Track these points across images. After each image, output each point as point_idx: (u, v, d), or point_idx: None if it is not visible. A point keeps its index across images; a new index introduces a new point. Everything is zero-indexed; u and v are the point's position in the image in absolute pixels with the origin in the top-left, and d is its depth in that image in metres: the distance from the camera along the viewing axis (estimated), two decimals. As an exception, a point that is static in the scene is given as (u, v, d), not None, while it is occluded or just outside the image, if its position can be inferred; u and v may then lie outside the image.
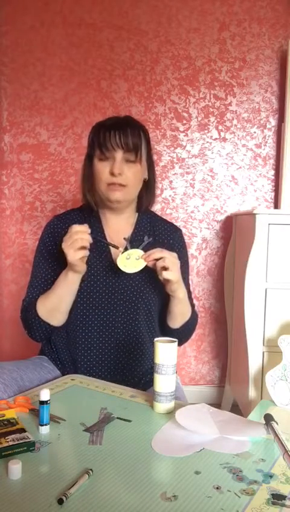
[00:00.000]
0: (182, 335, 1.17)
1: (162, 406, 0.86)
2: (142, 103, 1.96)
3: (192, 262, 2.00)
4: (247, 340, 1.49)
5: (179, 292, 1.08)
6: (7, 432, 0.73)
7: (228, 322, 1.95)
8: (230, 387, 1.91)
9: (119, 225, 1.19)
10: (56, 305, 1.08)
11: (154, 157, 1.23)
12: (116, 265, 1.05)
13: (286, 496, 0.59)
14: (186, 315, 1.15)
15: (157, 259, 1.02)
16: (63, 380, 1.03)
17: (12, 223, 2.01)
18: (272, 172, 1.99)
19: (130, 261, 1.04)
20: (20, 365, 1.10)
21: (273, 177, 1.99)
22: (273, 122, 1.98)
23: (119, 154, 1.08)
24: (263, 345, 1.49)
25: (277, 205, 1.97)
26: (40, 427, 0.77)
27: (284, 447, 0.70)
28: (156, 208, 1.27)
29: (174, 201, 2.00)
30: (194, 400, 1.82)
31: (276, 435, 0.74)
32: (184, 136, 1.98)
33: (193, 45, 1.95)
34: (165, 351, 0.85)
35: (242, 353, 1.58)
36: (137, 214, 1.22)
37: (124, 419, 0.82)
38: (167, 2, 1.93)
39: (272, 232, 1.48)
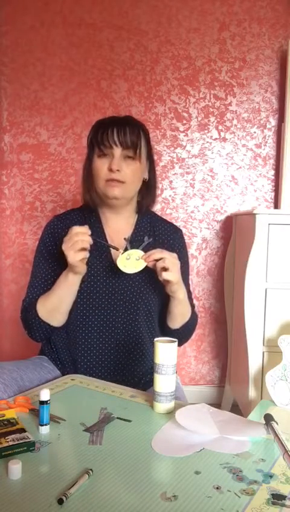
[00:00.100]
0: (182, 335, 1.17)
1: (162, 406, 0.86)
2: (142, 103, 1.96)
3: (192, 262, 2.00)
4: (247, 340, 1.49)
5: (179, 293, 1.08)
6: (7, 432, 0.73)
7: (228, 322, 1.95)
8: (230, 387, 1.91)
9: (119, 225, 1.19)
10: (56, 306, 1.08)
11: (154, 157, 1.23)
12: (116, 265, 1.05)
13: (286, 496, 0.59)
14: (186, 315, 1.15)
15: (157, 260, 1.02)
16: (63, 380, 1.03)
17: (12, 223, 2.01)
18: (272, 172, 1.99)
19: (130, 262, 1.04)
20: (20, 365, 1.10)
21: (273, 177, 1.99)
22: (273, 122, 1.98)
23: (117, 151, 1.08)
24: (263, 345, 1.49)
25: (277, 205, 1.97)
26: (40, 427, 0.77)
27: (284, 447, 0.70)
28: (156, 208, 1.27)
29: (174, 201, 2.00)
30: (194, 400, 1.82)
31: (276, 435, 0.74)
32: (184, 136, 1.98)
33: (193, 45, 1.95)
34: (165, 351, 0.85)
35: (242, 353, 1.58)
36: (137, 214, 1.22)
37: (124, 419, 0.82)
38: (167, 2, 1.93)
39: (272, 232, 1.48)
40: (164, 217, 1.29)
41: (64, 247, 0.98)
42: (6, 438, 0.71)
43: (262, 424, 0.79)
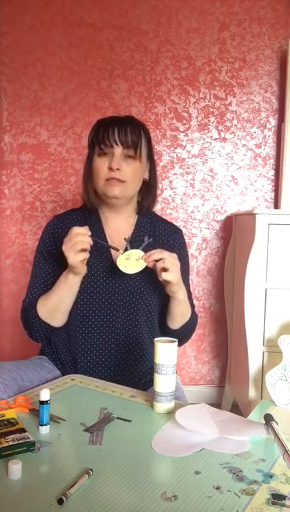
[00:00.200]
0: (182, 336, 1.17)
1: (162, 406, 0.86)
2: (142, 103, 1.96)
3: (192, 262, 2.00)
4: (247, 340, 1.49)
5: (179, 293, 1.08)
6: (7, 432, 0.73)
7: (228, 322, 1.95)
8: (230, 387, 1.91)
9: (119, 225, 1.19)
10: (56, 306, 1.08)
11: (154, 157, 1.23)
12: (116, 266, 1.05)
13: (286, 496, 0.59)
14: (186, 316, 1.15)
15: (157, 260, 1.01)
16: (63, 380, 1.03)
17: (12, 223, 2.01)
18: (272, 172, 1.99)
19: (130, 262, 1.04)
20: (20, 365, 1.10)
21: (273, 177, 1.99)
22: (273, 122, 1.98)
23: (118, 151, 1.08)
24: (263, 345, 1.49)
25: (277, 205, 1.97)
26: (40, 427, 0.77)
27: (284, 447, 0.70)
28: (156, 208, 1.27)
29: (174, 201, 2.00)
30: (194, 400, 1.82)
31: (276, 435, 0.74)
32: (184, 136, 1.98)
33: (193, 45, 1.95)
34: (165, 351, 0.85)
35: (242, 353, 1.58)
36: (137, 214, 1.22)
37: (124, 419, 0.82)
38: (167, 2, 1.93)
39: (272, 232, 1.48)
40: (164, 217, 1.29)
41: (64, 248, 0.98)
42: (6, 438, 0.71)
43: (262, 424, 0.79)
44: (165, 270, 1.01)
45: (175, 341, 0.88)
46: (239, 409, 1.69)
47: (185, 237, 1.32)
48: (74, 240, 0.97)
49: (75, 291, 1.07)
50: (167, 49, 1.95)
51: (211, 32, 1.94)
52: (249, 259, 1.48)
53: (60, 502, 0.56)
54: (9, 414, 0.80)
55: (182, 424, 0.77)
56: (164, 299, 1.15)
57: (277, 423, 0.77)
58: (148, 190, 1.20)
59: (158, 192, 1.26)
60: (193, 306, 1.20)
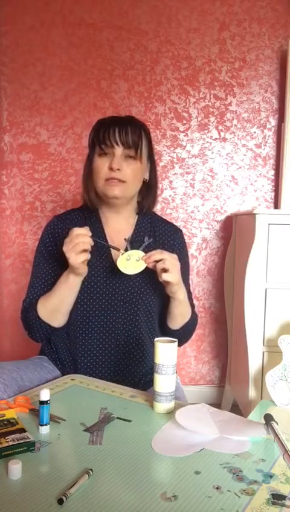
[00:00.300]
0: (182, 336, 1.17)
1: (162, 406, 0.86)
2: (142, 103, 1.96)
3: (192, 262, 2.00)
4: (247, 340, 1.49)
5: (179, 294, 1.08)
6: (7, 432, 0.73)
7: (228, 322, 1.95)
8: (230, 387, 1.91)
9: (119, 225, 1.19)
10: (57, 307, 1.08)
11: (154, 157, 1.23)
12: (117, 266, 1.05)
13: (286, 496, 0.59)
14: (186, 316, 1.15)
15: (157, 261, 1.01)
16: (63, 380, 1.03)
17: (12, 223, 2.01)
18: (272, 172, 1.99)
19: (130, 262, 1.04)
20: (20, 365, 1.10)
21: (273, 177, 1.99)
22: (273, 122, 1.98)
23: (119, 151, 1.08)
24: (263, 345, 1.49)
25: (277, 205, 1.97)
26: (40, 427, 0.77)
27: (284, 447, 0.70)
28: (156, 208, 1.27)
29: (174, 201, 2.00)
30: (194, 400, 1.82)
31: (276, 435, 0.74)
32: (184, 136, 1.98)
33: (193, 45, 1.95)
34: (165, 351, 0.85)
35: (242, 353, 1.58)
36: (137, 214, 1.22)
37: (124, 419, 0.82)
38: (167, 2, 1.93)
39: (272, 232, 1.48)
40: (164, 217, 1.29)
41: (65, 249, 0.98)
42: (6, 438, 0.71)
43: (262, 424, 0.79)
44: (165, 270, 1.01)
45: (175, 341, 0.88)
46: (239, 409, 1.69)
47: (185, 237, 1.32)
48: (75, 241, 0.97)
49: (76, 292, 1.07)
50: (167, 49, 1.95)
51: (211, 32, 1.94)
52: (249, 259, 1.48)
53: (60, 502, 0.56)
54: (9, 414, 0.80)
55: (182, 424, 0.78)
56: (164, 300, 1.15)
57: (277, 423, 0.77)
58: (148, 190, 1.20)
59: (158, 192, 1.26)
60: (193, 306, 1.20)
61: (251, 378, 1.48)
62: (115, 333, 1.13)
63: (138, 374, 1.15)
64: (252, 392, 1.47)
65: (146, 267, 1.03)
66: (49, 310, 1.08)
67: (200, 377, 2.07)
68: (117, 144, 1.08)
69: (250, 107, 1.97)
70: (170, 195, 2.00)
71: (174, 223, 1.29)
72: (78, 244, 0.97)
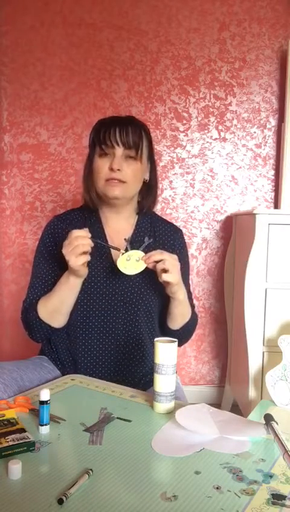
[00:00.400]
0: (182, 336, 1.17)
1: (162, 406, 0.86)
2: (142, 103, 1.96)
3: (192, 262, 2.00)
4: (247, 340, 1.49)
5: (179, 294, 1.08)
6: (7, 432, 0.73)
7: (228, 322, 1.95)
8: (230, 387, 1.91)
9: (119, 225, 1.19)
10: (57, 307, 1.08)
11: (155, 157, 1.23)
12: (117, 266, 1.05)
13: (286, 496, 0.59)
14: (187, 316, 1.15)
15: (157, 262, 1.01)
16: (63, 380, 1.03)
17: (12, 223, 2.01)
18: (272, 172, 1.99)
19: (130, 263, 1.04)
20: (20, 365, 1.10)
21: (273, 177, 1.99)
22: (273, 122, 1.98)
23: (119, 151, 1.08)
24: (263, 345, 1.49)
25: (277, 205, 1.97)
26: (40, 427, 0.77)
27: (284, 447, 0.70)
28: (156, 208, 1.27)
29: (174, 201, 2.00)
30: (194, 400, 1.82)
31: (276, 435, 0.74)
32: (184, 136, 1.98)
33: (193, 45, 1.95)
34: (165, 351, 0.85)
35: (242, 353, 1.58)
36: (137, 214, 1.22)
37: (124, 419, 0.82)
38: (167, 2, 1.93)
39: (272, 232, 1.48)
40: (164, 217, 1.29)
41: (64, 251, 0.98)
42: (6, 438, 0.71)
43: (262, 424, 0.79)
44: (165, 271, 1.01)
45: (175, 341, 0.88)
46: (239, 409, 1.69)
47: (185, 237, 1.32)
48: (74, 243, 0.97)
49: (76, 293, 1.07)
50: (167, 49, 1.95)
51: (211, 32, 1.94)
52: (249, 259, 1.48)
53: (60, 502, 0.56)
54: (9, 414, 0.80)
55: (182, 424, 0.78)
56: (164, 300, 1.15)
57: (277, 423, 0.77)
58: (148, 190, 1.20)
59: (158, 192, 1.26)
60: (193, 306, 1.20)
61: (251, 378, 1.48)
62: (115, 333, 1.13)
63: (138, 374, 1.15)
64: (252, 392, 1.47)
65: (146, 268, 1.03)
66: (50, 311, 1.08)
67: (200, 377, 2.07)
68: (118, 144, 1.08)
69: (250, 107, 1.97)
70: (170, 195, 2.00)
71: (174, 223, 1.29)
72: (77, 247, 0.96)
